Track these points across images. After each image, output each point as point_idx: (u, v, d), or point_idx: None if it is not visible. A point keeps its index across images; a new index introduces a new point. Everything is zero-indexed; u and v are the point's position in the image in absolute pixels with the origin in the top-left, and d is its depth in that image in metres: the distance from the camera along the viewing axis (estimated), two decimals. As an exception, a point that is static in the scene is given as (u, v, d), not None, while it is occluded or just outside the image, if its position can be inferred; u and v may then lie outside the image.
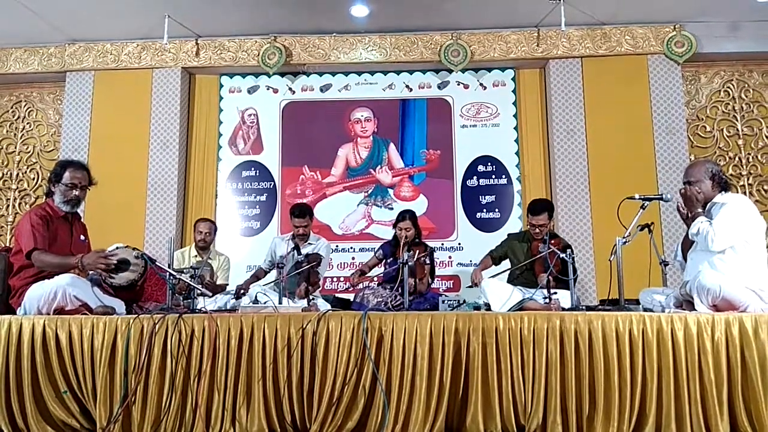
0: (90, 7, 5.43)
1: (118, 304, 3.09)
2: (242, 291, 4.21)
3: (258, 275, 4.71)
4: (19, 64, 6.12)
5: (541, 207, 4.22)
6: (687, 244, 3.20)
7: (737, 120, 5.87)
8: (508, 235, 4.65)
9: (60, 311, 2.87)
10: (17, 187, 6.20)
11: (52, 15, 5.56)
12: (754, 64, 5.91)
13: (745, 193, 5.64)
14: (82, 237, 3.38)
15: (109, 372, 2.58)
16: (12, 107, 6.35)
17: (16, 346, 2.65)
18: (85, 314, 2.81)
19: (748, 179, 5.78)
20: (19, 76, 6.18)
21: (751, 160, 5.80)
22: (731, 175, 5.75)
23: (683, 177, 3.21)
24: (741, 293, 2.79)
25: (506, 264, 4.43)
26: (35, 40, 6.00)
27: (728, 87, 5.93)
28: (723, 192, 3.07)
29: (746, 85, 5.92)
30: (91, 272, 3.16)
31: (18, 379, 2.63)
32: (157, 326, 2.61)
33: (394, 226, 4.50)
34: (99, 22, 5.70)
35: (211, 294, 4.15)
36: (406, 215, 4.44)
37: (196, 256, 4.89)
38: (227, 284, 4.91)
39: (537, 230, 4.16)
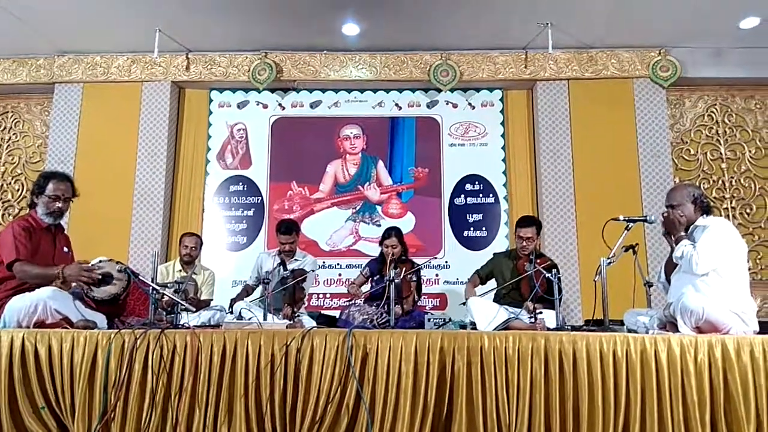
0: (80, 20, 5.43)
1: (100, 319, 3.05)
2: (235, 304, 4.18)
3: (247, 290, 4.67)
4: (7, 75, 6.09)
5: (530, 221, 4.28)
6: (670, 266, 3.23)
7: (720, 144, 5.96)
8: (494, 254, 4.67)
9: (40, 324, 2.83)
10: (1, 198, 6.13)
11: (42, 26, 5.55)
12: (736, 89, 6.03)
13: (728, 216, 5.72)
14: (65, 249, 3.35)
15: (89, 387, 2.54)
16: (-2, 117, 6.31)
17: (-6, 360, 2.60)
18: (66, 328, 2.76)
19: (731, 202, 5.86)
20: (6, 87, 6.14)
21: (734, 183, 5.89)
22: (714, 198, 5.83)
23: (665, 201, 3.25)
24: (724, 316, 2.81)
25: (493, 282, 4.43)
26: (24, 50, 5.98)
27: (712, 111, 6.03)
28: (705, 215, 3.11)
29: (729, 110, 6.03)
30: (73, 285, 3.12)
31: (-6, 394, 2.57)
32: (138, 341, 2.58)
33: (381, 243, 4.50)
34: (89, 35, 5.70)
35: (194, 309, 4.10)
36: (392, 232, 4.45)
37: (180, 270, 4.84)
38: (212, 299, 4.87)
39: (524, 243, 4.18)
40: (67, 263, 3.16)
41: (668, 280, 3.24)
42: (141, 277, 3.12)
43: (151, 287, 3.02)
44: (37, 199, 3.25)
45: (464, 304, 4.13)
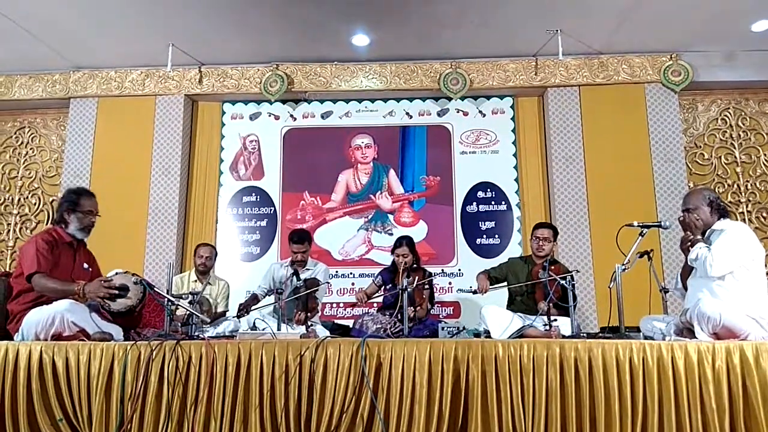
0: (95, 35, 5.52)
1: (116, 330, 3.07)
2: (244, 310, 4.21)
3: (256, 298, 4.69)
4: (23, 91, 6.20)
5: (547, 224, 4.37)
6: (686, 272, 3.20)
7: (735, 147, 5.91)
8: (509, 258, 4.64)
9: (57, 337, 2.86)
10: (18, 212, 6.22)
11: (57, 42, 5.65)
12: (750, 92, 5.98)
13: (744, 221, 5.66)
14: (86, 264, 3.38)
15: (106, 399, 2.56)
16: (16, 133, 6.41)
17: (12, 372, 2.64)
18: (83, 340, 2.79)
19: (747, 206, 5.80)
20: (23, 102, 6.25)
21: (749, 187, 5.83)
22: (730, 202, 5.77)
23: (682, 205, 3.22)
24: (741, 321, 2.78)
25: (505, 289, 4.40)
26: (40, 66, 6.08)
27: (725, 115, 5.98)
28: (722, 219, 3.08)
29: (743, 113, 5.98)
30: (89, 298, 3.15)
31: (13, 406, 2.60)
32: (154, 353, 2.60)
33: (392, 252, 4.50)
34: (103, 50, 5.79)
35: (209, 321, 4.13)
36: (403, 241, 4.45)
37: (195, 281, 4.88)
38: (227, 310, 4.89)
39: (540, 243, 4.18)
40: (85, 279, 3.19)
41: (685, 287, 3.21)
42: (156, 289, 3.14)
43: (166, 299, 3.04)
44: (68, 215, 3.29)
45: (474, 292, 4.02)
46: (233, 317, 4.23)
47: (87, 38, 5.58)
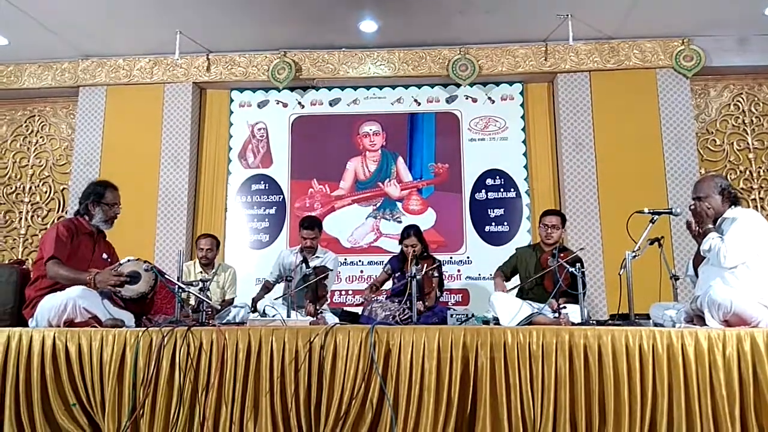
0: (103, 24, 5.52)
1: (128, 317, 3.11)
2: (259, 302, 4.24)
3: (267, 287, 4.71)
4: (33, 79, 6.22)
5: (555, 211, 4.33)
6: (698, 259, 3.18)
7: (747, 133, 5.84)
8: (517, 249, 4.64)
9: (70, 323, 2.90)
10: (30, 200, 6.27)
11: (66, 31, 5.66)
12: (763, 77, 5.89)
13: (756, 207, 5.61)
14: (105, 255, 3.42)
15: (118, 384, 2.60)
16: (26, 121, 6.45)
17: (26, 359, 2.68)
18: (95, 327, 2.82)
19: (759, 193, 5.74)
20: (32, 91, 6.27)
21: (762, 173, 5.77)
22: (742, 188, 5.72)
23: (692, 193, 3.19)
24: (752, 308, 2.76)
25: (517, 279, 4.40)
26: (49, 55, 6.10)
27: (738, 101, 5.91)
28: (733, 206, 3.05)
29: (756, 99, 5.90)
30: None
31: (27, 392, 2.65)
32: (165, 339, 2.62)
33: (400, 243, 4.50)
34: (112, 38, 5.79)
35: (219, 309, 4.16)
36: (411, 231, 4.44)
37: (200, 272, 4.88)
38: (235, 296, 4.92)
39: (549, 230, 4.16)
40: (103, 269, 3.22)
41: (696, 274, 3.19)
42: (167, 276, 3.17)
43: (177, 285, 3.07)
44: (93, 207, 3.37)
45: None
46: (247, 310, 4.22)
47: (95, 27, 5.58)
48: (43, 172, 6.32)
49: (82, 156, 6.03)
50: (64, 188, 6.20)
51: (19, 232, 6.22)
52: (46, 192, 6.29)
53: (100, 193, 3.38)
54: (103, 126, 6.07)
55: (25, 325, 3.06)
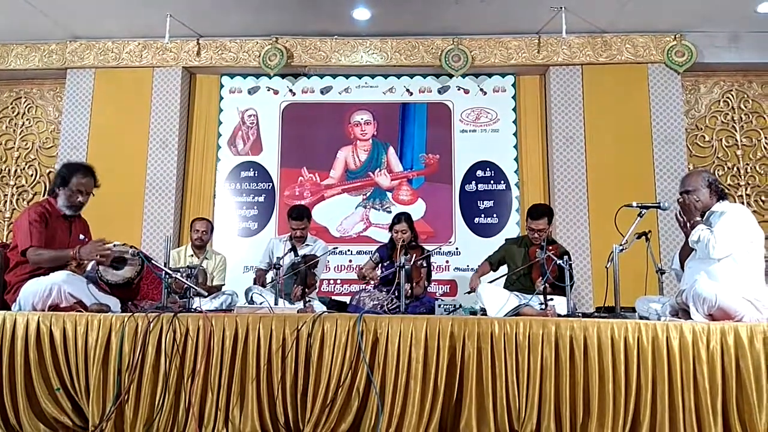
0: (92, 5, 5.43)
1: (114, 302, 3.08)
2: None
3: (260, 276, 4.68)
4: (19, 60, 6.12)
5: (541, 212, 4.23)
6: (685, 253, 3.20)
7: (736, 130, 5.88)
8: (506, 240, 4.65)
9: (55, 308, 2.87)
10: (15, 183, 6.19)
11: (54, 11, 5.56)
12: (753, 74, 5.93)
13: (742, 204, 5.65)
14: (81, 236, 3.35)
15: (103, 370, 2.58)
16: (12, 103, 6.34)
17: (10, 343, 2.65)
18: (80, 311, 2.80)
19: (746, 189, 5.79)
20: (19, 72, 6.17)
21: (749, 170, 5.82)
22: (729, 185, 5.77)
23: (680, 187, 3.20)
24: (737, 303, 2.78)
25: (504, 269, 4.43)
26: (36, 36, 5.99)
27: (728, 97, 5.94)
28: (720, 200, 3.08)
29: (746, 96, 5.94)
30: (87, 269, 3.15)
31: (11, 376, 2.62)
32: (151, 325, 2.61)
33: (390, 228, 4.50)
34: (101, 20, 5.70)
35: (206, 294, 4.14)
36: (402, 218, 4.44)
37: (192, 255, 4.87)
38: (223, 284, 4.90)
39: (536, 235, 4.17)
40: None
41: (682, 268, 3.22)
42: (154, 262, 3.14)
43: (164, 271, 3.04)
44: (59, 189, 3.25)
45: (468, 293, 4.14)
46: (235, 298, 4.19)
47: (84, 8, 5.49)
48: (29, 155, 6.24)
49: (69, 139, 5.95)
50: (50, 171, 6.12)
51: (4, 215, 6.14)
52: (32, 175, 6.20)
53: (64, 177, 3.24)
54: (91, 109, 5.99)
55: (8, 310, 3.01)
